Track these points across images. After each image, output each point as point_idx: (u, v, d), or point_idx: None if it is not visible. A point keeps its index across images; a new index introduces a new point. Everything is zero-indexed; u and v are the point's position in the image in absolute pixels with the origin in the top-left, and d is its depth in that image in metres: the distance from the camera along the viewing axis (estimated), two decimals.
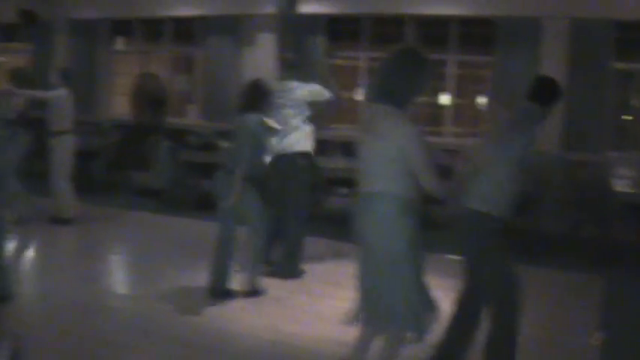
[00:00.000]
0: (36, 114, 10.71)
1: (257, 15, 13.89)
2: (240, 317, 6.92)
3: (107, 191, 13.64)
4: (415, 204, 4.63)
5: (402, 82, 4.65)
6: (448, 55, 13.03)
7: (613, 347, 6.51)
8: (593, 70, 11.75)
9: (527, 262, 6.84)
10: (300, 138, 8.34)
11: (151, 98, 15.15)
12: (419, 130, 4.62)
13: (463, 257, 5.51)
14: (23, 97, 10.27)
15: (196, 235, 10.26)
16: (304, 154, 8.42)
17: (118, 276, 8.97)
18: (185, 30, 15.44)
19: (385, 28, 13.68)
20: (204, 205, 11.68)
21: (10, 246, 9.03)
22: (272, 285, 7.71)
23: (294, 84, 8.39)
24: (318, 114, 8.79)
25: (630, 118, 12.89)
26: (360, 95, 13.95)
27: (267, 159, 8.00)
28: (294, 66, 8.66)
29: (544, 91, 5.61)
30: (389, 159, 4.56)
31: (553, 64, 11.74)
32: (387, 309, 4.74)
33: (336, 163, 11.57)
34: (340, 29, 13.98)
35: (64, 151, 10.38)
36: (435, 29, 13.26)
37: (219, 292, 7.44)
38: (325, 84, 8.58)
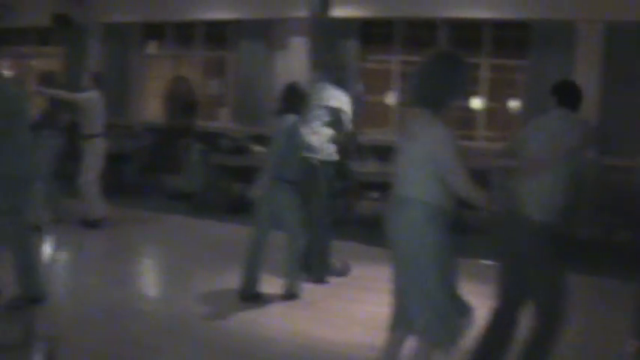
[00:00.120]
0: (67, 117, 10.72)
1: (289, 18, 13.90)
2: (272, 321, 6.91)
3: (139, 194, 13.68)
4: (446, 211, 4.58)
5: (440, 86, 4.61)
6: (481, 59, 12.97)
7: None
8: (627, 73, 11.64)
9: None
10: (319, 143, 8.14)
11: (182, 102, 15.20)
12: (453, 134, 4.56)
13: (505, 263, 5.44)
14: (48, 99, 10.27)
15: (228, 238, 10.26)
16: (325, 161, 8.26)
17: (149, 279, 8.99)
18: (217, 33, 15.48)
19: (418, 32, 13.64)
20: (235, 209, 11.69)
21: (42, 248, 9.11)
22: (304, 289, 7.68)
23: (325, 86, 8.33)
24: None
25: None
26: (392, 99, 13.91)
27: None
28: (330, 68, 8.60)
29: (574, 96, 5.53)
30: (422, 162, 4.53)
31: (587, 68, 11.66)
32: (416, 314, 4.71)
33: (367, 167, 11.52)
34: (373, 33, 13.96)
35: (94, 154, 10.38)
36: (468, 32, 13.20)
37: (249, 296, 7.43)
38: (354, 86, 8.50)
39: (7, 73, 17.40)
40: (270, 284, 7.66)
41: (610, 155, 11.24)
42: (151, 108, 16.49)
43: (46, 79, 10.51)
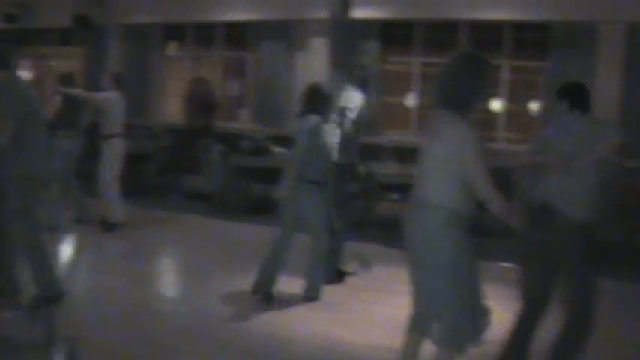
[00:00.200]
0: (87, 117, 10.73)
1: (310, 20, 13.90)
2: (291, 323, 6.89)
3: (159, 195, 13.71)
4: (466, 216, 4.56)
5: (466, 87, 4.61)
6: (501, 60, 12.93)
7: None
8: None
9: None
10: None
11: (202, 102, 15.23)
12: (477, 136, 4.54)
13: (532, 264, 5.42)
14: (63, 100, 10.27)
15: (247, 239, 10.27)
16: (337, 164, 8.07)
17: (169, 279, 9.00)
18: (237, 35, 15.50)
19: (438, 33, 13.62)
20: (255, 209, 11.70)
21: (61, 248, 9.15)
22: (324, 291, 7.66)
23: (345, 87, 8.32)
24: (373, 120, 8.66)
25: None
26: (412, 101, 13.89)
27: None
28: (349, 69, 8.57)
29: (586, 98, 5.51)
30: (444, 163, 4.52)
31: (608, 69, 11.61)
32: (433, 318, 4.73)
33: (387, 169, 11.51)
34: (393, 34, 13.94)
35: (113, 154, 10.35)
36: (488, 34, 13.16)
37: (263, 294, 7.45)
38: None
39: (27, 73, 17.54)
40: (291, 285, 7.66)
41: (631, 158, 11.17)
42: (171, 109, 16.53)
43: (66, 79, 10.52)
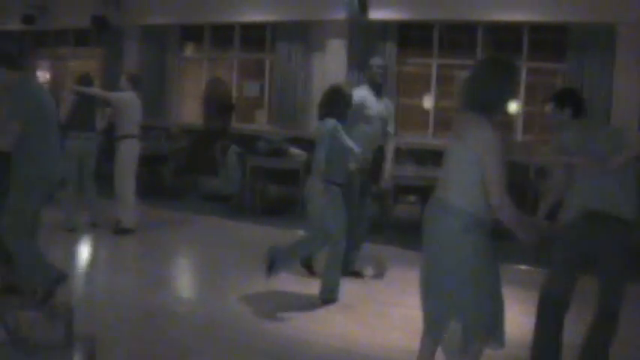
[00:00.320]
0: (105, 118, 10.73)
1: (327, 21, 13.90)
2: (309, 324, 6.88)
3: (175, 196, 13.72)
4: (486, 220, 4.55)
5: (493, 91, 4.67)
6: (519, 62, 12.88)
7: None
8: None
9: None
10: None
11: (219, 104, 15.25)
12: (502, 140, 4.54)
13: (563, 265, 5.42)
14: (76, 102, 10.26)
15: (264, 240, 10.25)
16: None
17: (185, 280, 9.00)
18: (255, 36, 15.52)
19: (456, 35, 13.60)
20: (272, 211, 11.70)
21: (78, 248, 9.17)
22: (342, 292, 7.65)
23: (361, 87, 8.35)
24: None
25: None
26: (430, 103, 13.87)
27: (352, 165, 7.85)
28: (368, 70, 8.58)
29: (584, 104, 5.60)
30: (467, 165, 4.52)
31: (627, 71, 11.56)
32: (443, 319, 4.77)
33: (405, 171, 11.49)
34: (411, 36, 13.92)
35: (128, 155, 10.31)
36: (506, 35, 13.14)
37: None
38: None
39: (44, 74, 17.60)
40: (308, 286, 7.65)
41: None
42: (188, 110, 16.58)
43: (83, 80, 10.53)
